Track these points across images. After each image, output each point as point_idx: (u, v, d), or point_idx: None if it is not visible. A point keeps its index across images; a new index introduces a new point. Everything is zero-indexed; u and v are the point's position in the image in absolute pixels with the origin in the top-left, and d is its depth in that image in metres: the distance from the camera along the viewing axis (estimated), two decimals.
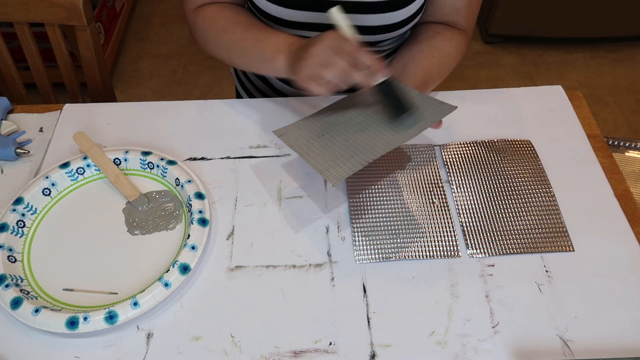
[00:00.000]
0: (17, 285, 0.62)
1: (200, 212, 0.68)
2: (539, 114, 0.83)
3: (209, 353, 0.59)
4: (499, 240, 0.68)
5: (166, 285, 0.61)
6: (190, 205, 0.70)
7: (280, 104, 0.85)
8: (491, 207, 0.71)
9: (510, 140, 0.79)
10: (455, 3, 0.80)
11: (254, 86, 0.99)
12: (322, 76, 0.62)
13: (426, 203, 0.72)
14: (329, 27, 0.65)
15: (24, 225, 0.69)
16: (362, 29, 0.78)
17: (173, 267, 0.63)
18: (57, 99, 1.14)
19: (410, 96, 0.68)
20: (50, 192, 0.73)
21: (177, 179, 0.73)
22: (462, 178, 0.75)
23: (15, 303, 0.60)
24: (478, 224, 0.70)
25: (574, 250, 0.67)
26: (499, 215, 0.70)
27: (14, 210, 0.69)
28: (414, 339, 0.60)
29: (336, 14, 0.64)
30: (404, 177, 0.75)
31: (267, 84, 0.95)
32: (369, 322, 0.61)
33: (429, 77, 0.78)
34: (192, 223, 0.67)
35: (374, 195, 0.73)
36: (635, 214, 0.71)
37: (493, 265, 0.66)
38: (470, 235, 0.68)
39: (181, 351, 0.59)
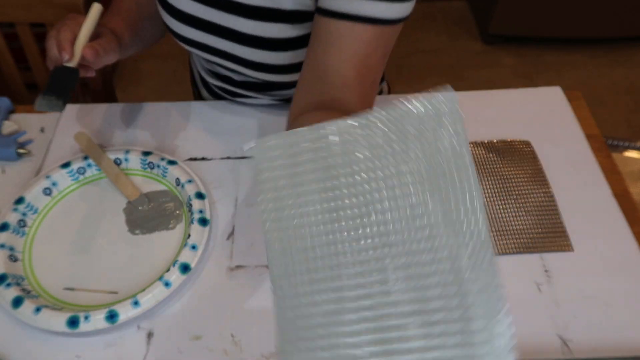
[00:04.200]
0: (18, 284, 0.63)
1: (201, 211, 0.68)
2: (538, 115, 0.84)
3: (209, 352, 0.59)
4: (498, 240, 0.68)
5: (167, 284, 0.62)
6: (191, 205, 0.70)
7: (281, 104, 0.85)
8: (490, 207, 0.72)
9: (510, 141, 0.80)
10: (342, 68, 0.59)
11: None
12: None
13: None
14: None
15: (25, 225, 0.70)
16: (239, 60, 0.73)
17: (173, 266, 0.63)
18: None
19: (67, 91, 0.63)
20: (51, 191, 0.73)
21: (177, 179, 0.73)
22: None
23: (16, 302, 0.60)
24: None
25: (573, 250, 0.67)
26: (498, 216, 0.71)
27: (15, 209, 0.69)
28: None
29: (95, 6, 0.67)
30: None
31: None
32: None
33: None
34: (193, 223, 0.67)
35: None
36: (634, 213, 0.71)
37: None
38: None
39: (182, 350, 0.60)
